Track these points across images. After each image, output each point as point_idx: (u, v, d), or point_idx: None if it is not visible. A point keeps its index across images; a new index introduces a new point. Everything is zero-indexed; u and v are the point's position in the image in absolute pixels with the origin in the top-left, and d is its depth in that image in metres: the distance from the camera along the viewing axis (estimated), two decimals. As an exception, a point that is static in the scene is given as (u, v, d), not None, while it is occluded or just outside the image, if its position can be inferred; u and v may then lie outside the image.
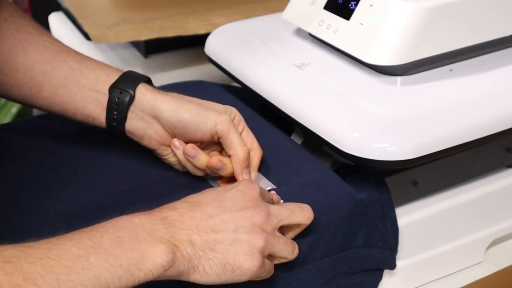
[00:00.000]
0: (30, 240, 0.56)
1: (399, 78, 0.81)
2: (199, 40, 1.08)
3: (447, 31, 0.79)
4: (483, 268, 0.85)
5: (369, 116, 0.76)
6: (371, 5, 0.79)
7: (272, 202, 0.68)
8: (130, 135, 0.76)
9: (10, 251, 0.51)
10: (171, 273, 0.57)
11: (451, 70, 0.83)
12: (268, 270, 0.63)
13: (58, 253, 0.53)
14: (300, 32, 0.92)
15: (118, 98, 0.74)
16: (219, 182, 0.76)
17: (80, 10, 1.19)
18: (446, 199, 0.89)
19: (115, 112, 0.74)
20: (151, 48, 1.21)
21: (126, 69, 1.01)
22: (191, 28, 1.16)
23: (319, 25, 0.84)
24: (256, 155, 0.76)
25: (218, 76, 0.92)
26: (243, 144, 0.74)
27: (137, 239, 0.56)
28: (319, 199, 0.72)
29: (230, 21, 1.01)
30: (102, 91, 0.75)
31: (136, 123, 0.75)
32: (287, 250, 0.64)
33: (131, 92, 0.74)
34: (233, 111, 0.77)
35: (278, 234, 0.64)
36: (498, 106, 0.78)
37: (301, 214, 0.66)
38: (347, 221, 0.71)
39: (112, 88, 0.74)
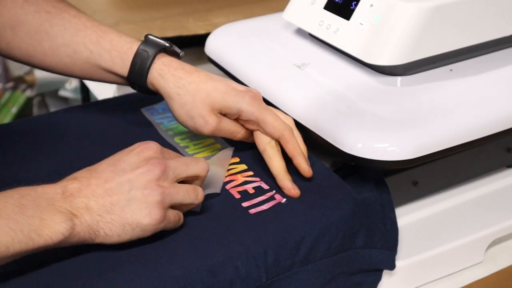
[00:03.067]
0: None
1: (399, 78, 0.81)
2: (199, 40, 1.08)
3: (447, 31, 0.79)
4: (483, 268, 0.85)
5: (369, 116, 0.76)
6: (371, 5, 0.79)
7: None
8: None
9: None
10: (74, 240, 0.61)
11: (451, 70, 0.83)
12: (174, 221, 0.66)
13: None
14: (300, 32, 0.92)
15: (135, 86, 0.79)
16: (187, 150, 0.76)
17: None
18: (446, 199, 0.89)
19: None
20: (151, 48, 1.21)
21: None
22: (191, 28, 1.17)
23: (319, 25, 0.84)
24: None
25: (218, 76, 0.92)
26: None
27: (38, 208, 0.60)
28: (319, 199, 0.72)
29: (230, 21, 1.01)
30: (121, 75, 0.78)
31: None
32: (190, 197, 0.67)
33: (145, 85, 0.77)
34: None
35: (178, 185, 0.66)
36: (498, 106, 0.78)
37: (196, 166, 0.68)
38: (347, 221, 0.71)
39: (128, 78, 0.78)
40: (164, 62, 0.77)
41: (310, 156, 0.79)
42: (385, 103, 0.78)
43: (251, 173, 0.76)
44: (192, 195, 0.67)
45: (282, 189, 0.73)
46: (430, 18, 0.76)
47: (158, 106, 0.90)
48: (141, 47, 0.77)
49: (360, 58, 0.79)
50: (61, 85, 2.11)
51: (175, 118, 0.77)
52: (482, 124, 0.76)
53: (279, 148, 0.75)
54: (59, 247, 0.61)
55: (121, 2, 1.25)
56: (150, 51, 0.77)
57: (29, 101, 2.18)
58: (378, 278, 0.77)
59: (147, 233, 0.64)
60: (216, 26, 1.02)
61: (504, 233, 0.86)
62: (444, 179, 0.89)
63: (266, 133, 0.75)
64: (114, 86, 1.15)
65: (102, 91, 1.21)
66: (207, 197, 0.72)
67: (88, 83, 1.32)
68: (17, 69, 2.36)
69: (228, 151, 0.79)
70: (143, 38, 0.89)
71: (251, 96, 0.74)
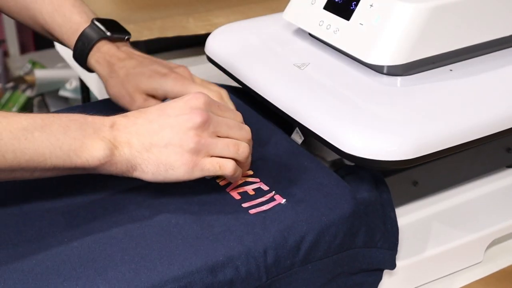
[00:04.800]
0: (30, 240, 0.59)
1: (399, 78, 0.81)
2: (199, 40, 1.08)
3: (447, 31, 0.79)
4: (483, 268, 0.85)
5: (369, 116, 0.76)
6: (371, 5, 0.79)
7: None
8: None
9: None
10: (112, 169, 0.66)
11: (451, 70, 0.83)
12: (210, 169, 0.68)
13: (8, 121, 0.62)
14: (300, 32, 0.92)
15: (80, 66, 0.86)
16: (218, 181, 0.76)
17: (80, 10, 1.19)
18: (446, 199, 0.89)
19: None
20: (151, 48, 1.21)
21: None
22: (191, 28, 1.17)
23: (319, 25, 0.84)
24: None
25: (218, 76, 0.93)
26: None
27: (82, 132, 0.65)
28: (319, 199, 0.72)
29: (230, 21, 1.01)
30: (70, 48, 0.85)
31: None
32: (230, 150, 0.69)
33: (85, 66, 0.85)
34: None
35: (218, 138, 0.69)
36: (498, 106, 0.78)
37: (238, 132, 0.71)
38: (347, 221, 0.71)
39: (73, 56, 0.85)
40: (101, 51, 0.83)
41: (310, 156, 0.79)
42: (385, 103, 0.78)
43: (250, 172, 0.76)
44: (232, 149, 0.69)
45: None
46: (430, 18, 0.76)
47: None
48: (84, 33, 0.83)
49: (360, 58, 0.79)
50: (61, 85, 2.12)
51: (110, 97, 0.83)
52: (482, 124, 0.76)
53: None
54: (98, 174, 0.67)
55: (121, 2, 1.25)
56: (90, 39, 0.83)
57: (29, 101, 2.18)
58: (379, 278, 0.77)
59: (180, 176, 0.68)
60: (216, 26, 1.02)
61: (504, 233, 0.86)
62: (444, 179, 0.89)
63: None
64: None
65: (102, 91, 1.21)
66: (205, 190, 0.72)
67: (89, 83, 1.32)
68: (17, 69, 2.36)
69: None
70: (143, 38, 0.91)
71: (174, 77, 0.79)
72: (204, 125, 0.68)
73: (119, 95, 0.81)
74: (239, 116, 0.74)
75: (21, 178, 0.64)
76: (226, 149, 0.69)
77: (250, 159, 0.73)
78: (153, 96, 0.80)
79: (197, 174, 0.68)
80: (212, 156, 0.69)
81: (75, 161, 0.64)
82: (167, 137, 0.67)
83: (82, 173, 0.66)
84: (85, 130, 0.65)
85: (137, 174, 0.68)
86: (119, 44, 0.84)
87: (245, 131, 0.72)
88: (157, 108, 0.69)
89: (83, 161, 0.65)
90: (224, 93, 0.81)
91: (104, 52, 0.83)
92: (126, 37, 0.86)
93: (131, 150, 0.67)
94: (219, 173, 0.69)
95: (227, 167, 0.69)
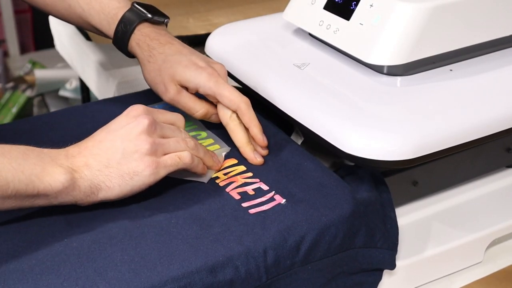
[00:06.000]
0: (30, 240, 0.59)
1: (399, 78, 0.81)
2: (199, 40, 1.08)
3: (447, 31, 0.79)
4: (483, 268, 0.85)
5: (369, 116, 0.76)
6: (371, 5, 0.79)
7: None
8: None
9: None
10: (75, 193, 0.67)
11: (451, 70, 0.83)
12: (172, 164, 0.70)
13: None
14: (300, 32, 0.92)
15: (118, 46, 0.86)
16: (217, 181, 0.76)
17: (80, 10, 1.19)
18: (446, 199, 0.89)
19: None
20: (151, 48, 1.21)
21: (128, 69, 1.01)
22: (191, 28, 1.17)
23: (319, 25, 0.84)
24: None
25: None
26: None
27: (41, 159, 0.66)
28: (319, 199, 0.72)
29: (230, 21, 1.01)
30: (108, 36, 0.86)
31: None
32: (181, 145, 0.72)
33: (126, 50, 0.85)
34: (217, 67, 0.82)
35: (167, 138, 0.72)
36: (498, 106, 0.78)
37: (179, 133, 0.74)
38: (347, 221, 0.71)
39: (113, 42, 0.85)
40: (142, 33, 0.83)
41: (310, 156, 0.79)
42: (385, 103, 0.78)
43: (250, 174, 0.76)
44: (183, 143, 0.72)
45: (246, 159, 0.78)
46: (430, 18, 0.76)
47: (157, 106, 0.90)
48: (125, 16, 0.84)
49: (360, 58, 0.79)
50: (61, 85, 2.12)
51: (146, 82, 0.84)
52: (482, 124, 0.76)
53: (241, 121, 0.79)
54: (61, 205, 0.66)
55: (121, 2, 1.24)
56: (132, 21, 0.83)
57: (29, 101, 2.18)
58: (379, 278, 0.77)
59: (147, 180, 0.69)
60: (216, 26, 1.02)
61: (504, 233, 0.86)
62: (444, 179, 0.89)
63: (224, 106, 0.79)
64: (114, 86, 1.15)
65: (102, 91, 1.21)
66: (202, 192, 0.73)
67: (89, 83, 1.32)
68: (17, 69, 2.36)
69: (223, 150, 0.80)
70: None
71: (209, 72, 0.79)
72: (152, 127, 0.70)
73: (155, 81, 0.82)
74: (181, 117, 0.76)
75: None
76: (178, 144, 0.72)
77: (210, 152, 0.77)
78: (186, 89, 0.80)
79: (162, 172, 0.70)
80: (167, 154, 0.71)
81: (37, 186, 0.64)
82: (121, 147, 0.69)
83: (43, 204, 0.66)
84: (43, 158, 0.66)
85: (103, 194, 0.68)
86: (159, 27, 0.85)
87: (185, 132, 0.75)
88: (102, 129, 0.71)
89: (46, 185, 0.64)
90: (246, 102, 0.79)
91: (145, 34, 0.83)
92: (165, 20, 0.86)
93: (91, 170, 0.67)
94: (180, 165, 0.71)
95: (186, 157, 0.72)
